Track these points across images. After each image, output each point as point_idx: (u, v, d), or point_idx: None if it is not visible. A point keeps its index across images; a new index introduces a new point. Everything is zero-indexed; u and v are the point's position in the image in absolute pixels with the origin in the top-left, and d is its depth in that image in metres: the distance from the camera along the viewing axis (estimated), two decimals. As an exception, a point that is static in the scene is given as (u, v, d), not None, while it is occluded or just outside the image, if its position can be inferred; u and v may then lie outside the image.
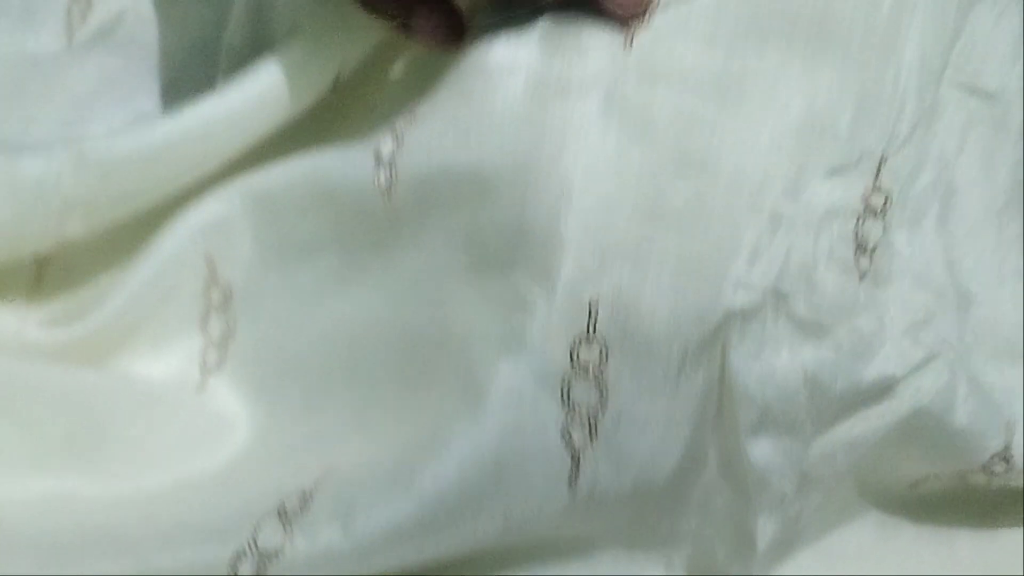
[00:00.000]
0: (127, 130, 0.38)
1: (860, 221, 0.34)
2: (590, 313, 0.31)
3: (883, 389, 0.34)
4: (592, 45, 0.33)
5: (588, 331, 0.31)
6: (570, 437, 0.31)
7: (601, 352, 0.31)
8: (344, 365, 0.38)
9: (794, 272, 0.32)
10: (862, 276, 0.34)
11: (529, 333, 0.32)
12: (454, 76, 0.35)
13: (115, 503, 0.35)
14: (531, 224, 0.32)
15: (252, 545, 0.32)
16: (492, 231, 0.33)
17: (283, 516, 0.32)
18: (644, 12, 0.33)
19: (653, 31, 0.33)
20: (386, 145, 0.35)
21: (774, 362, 0.32)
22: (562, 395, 0.31)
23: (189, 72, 0.42)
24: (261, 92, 0.38)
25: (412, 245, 0.36)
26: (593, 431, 0.31)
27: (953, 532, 0.39)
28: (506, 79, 0.33)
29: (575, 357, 0.31)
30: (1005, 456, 0.35)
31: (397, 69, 0.40)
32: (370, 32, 0.39)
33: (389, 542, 0.31)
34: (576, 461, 0.31)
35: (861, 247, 0.34)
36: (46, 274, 0.41)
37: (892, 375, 0.34)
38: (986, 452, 0.35)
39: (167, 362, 0.40)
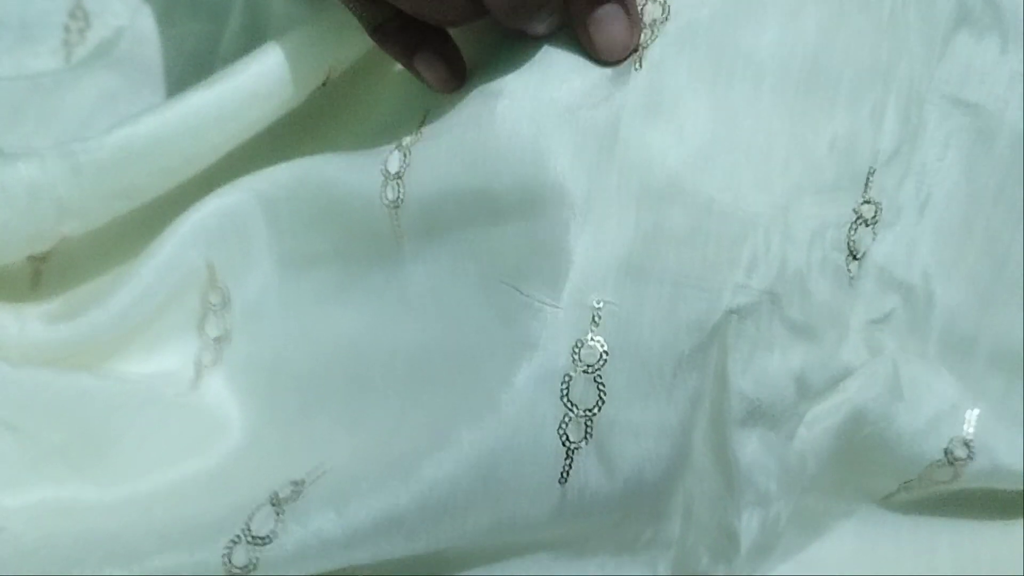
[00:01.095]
0: (115, 128, 0.38)
1: (852, 230, 0.35)
2: (593, 318, 0.32)
3: (838, 383, 0.35)
4: (599, 70, 0.34)
5: (590, 333, 0.32)
6: (566, 435, 0.32)
7: (601, 354, 0.32)
8: (344, 371, 0.38)
9: (789, 277, 0.33)
10: (851, 281, 0.35)
11: (535, 335, 0.32)
12: (459, 98, 0.35)
13: (114, 507, 0.36)
14: (541, 240, 0.32)
15: (246, 531, 0.32)
16: (501, 248, 0.34)
17: (276, 503, 0.33)
18: (628, 56, 0.34)
19: (659, 56, 0.33)
20: (394, 162, 0.36)
21: (766, 363, 0.33)
22: (562, 394, 0.32)
23: (186, 87, 0.42)
24: (249, 84, 0.38)
25: (418, 260, 0.36)
26: (589, 431, 0.32)
27: (933, 540, 0.40)
28: (511, 105, 0.33)
29: (577, 358, 0.32)
30: (964, 440, 0.37)
31: (395, 75, 0.41)
32: (363, 37, 0.40)
33: (381, 531, 0.32)
34: (569, 459, 0.32)
35: (852, 254, 0.35)
36: (45, 270, 0.42)
37: (847, 369, 0.35)
38: (943, 438, 0.36)
39: (162, 363, 0.40)
